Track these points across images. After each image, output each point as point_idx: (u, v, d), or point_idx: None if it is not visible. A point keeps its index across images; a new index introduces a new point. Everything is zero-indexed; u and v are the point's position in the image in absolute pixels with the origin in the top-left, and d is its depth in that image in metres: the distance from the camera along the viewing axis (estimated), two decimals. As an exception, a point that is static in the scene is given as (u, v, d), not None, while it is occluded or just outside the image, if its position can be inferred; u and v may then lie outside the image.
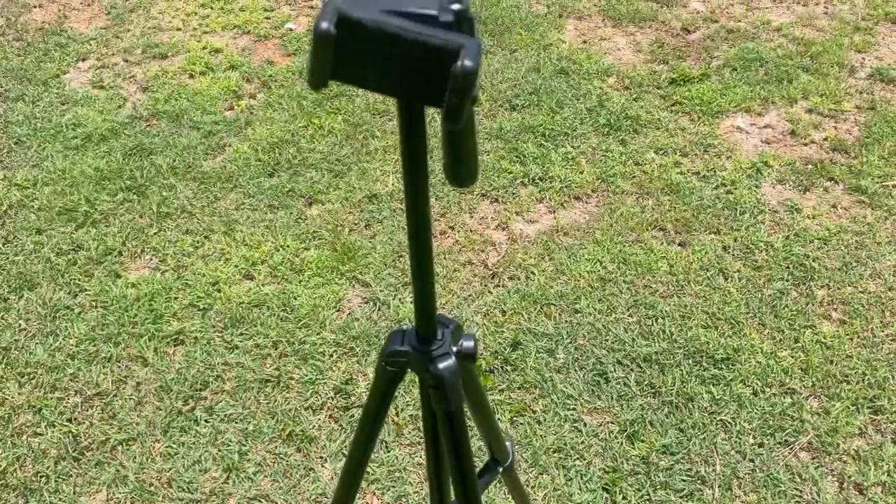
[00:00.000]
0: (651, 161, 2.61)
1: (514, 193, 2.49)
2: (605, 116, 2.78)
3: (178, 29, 3.25)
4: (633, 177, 2.55)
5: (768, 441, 1.81)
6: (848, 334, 2.05)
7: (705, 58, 3.10)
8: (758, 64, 3.05)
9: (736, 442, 1.81)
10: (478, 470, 0.98)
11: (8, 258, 2.25)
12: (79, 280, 2.19)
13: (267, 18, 3.33)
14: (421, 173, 0.59)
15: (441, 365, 0.74)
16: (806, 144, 2.70)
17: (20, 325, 2.07)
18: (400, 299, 2.14)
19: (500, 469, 1.04)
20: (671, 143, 2.69)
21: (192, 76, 3.00)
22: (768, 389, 1.92)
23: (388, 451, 1.79)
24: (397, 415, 1.86)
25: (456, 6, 0.45)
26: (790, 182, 2.54)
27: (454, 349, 0.76)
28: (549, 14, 3.36)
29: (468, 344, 0.77)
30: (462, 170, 0.59)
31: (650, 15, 3.35)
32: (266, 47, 3.17)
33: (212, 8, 3.37)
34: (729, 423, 1.85)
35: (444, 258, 2.26)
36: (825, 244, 2.31)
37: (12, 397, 1.90)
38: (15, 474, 1.75)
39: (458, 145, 0.56)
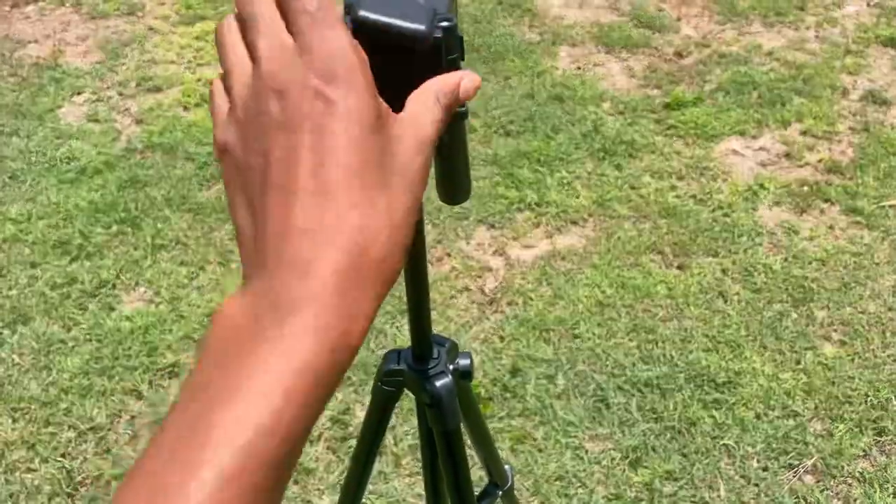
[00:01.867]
0: (647, 185, 2.61)
1: (510, 219, 2.48)
2: (601, 141, 2.79)
3: (173, 62, 3.27)
4: (630, 201, 2.55)
5: (772, 465, 1.79)
6: (849, 355, 2.03)
7: (698, 82, 3.13)
8: (751, 87, 3.07)
9: (740, 466, 1.78)
10: (476, 494, 0.95)
11: (2, 293, 2.23)
12: (73, 314, 2.17)
13: (262, 51, 3.35)
14: None
15: (437, 383, 0.73)
16: (801, 166, 2.71)
17: (14, 359, 2.05)
18: (398, 327, 2.12)
19: (500, 493, 1.02)
20: (667, 166, 2.69)
21: (186, 108, 3.01)
22: (771, 412, 1.89)
23: (388, 482, 1.76)
24: (396, 445, 1.83)
25: (445, 23, 0.45)
26: (787, 204, 2.54)
27: (450, 367, 0.75)
28: (542, 41, 3.39)
29: (464, 362, 0.76)
30: (454, 186, 0.58)
31: (642, 41, 3.38)
32: (261, 79, 3.19)
33: (206, 41, 3.40)
34: (732, 447, 1.82)
35: (441, 285, 2.25)
36: (824, 265, 2.30)
37: (6, 433, 1.87)
38: (6, 512, 1.71)
39: (449, 160, 0.56)
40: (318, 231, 0.33)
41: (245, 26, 0.36)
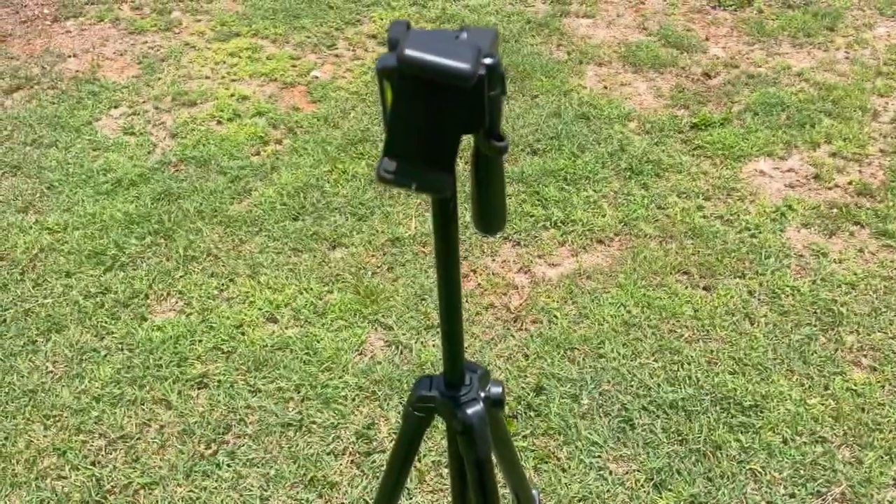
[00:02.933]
0: (674, 205, 2.61)
1: (535, 237, 2.49)
2: (627, 160, 2.80)
3: (207, 77, 3.33)
4: (656, 220, 2.55)
5: (800, 491, 1.77)
6: (879, 381, 2.01)
7: (726, 102, 3.12)
8: (779, 108, 3.05)
9: (766, 492, 1.77)
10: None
11: (37, 301, 2.29)
12: (106, 323, 2.21)
13: (293, 66, 3.40)
14: (452, 256, 0.60)
15: (469, 411, 0.74)
16: (830, 188, 2.69)
17: (47, 367, 2.09)
18: (422, 342, 2.13)
19: (527, 518, 1.03)
20: (693, 186, 2.69)
21: (219, 122, 3.07)
22: (798, 438, 1.88)
23: (411, 499, 1.77)
24: (419, 461, 1.84)
25: (489, 60, 0.46)
26: (815, 226, 2.52)
27: (482, 395, 0.76)
28: (569, 60, 3.40)
29: (496, 390, 0.77)
30: (490, 217, 0.60)
31: (670, 61, 3.38)
32: (292, 94, 3.24)
33: (240, 57, 3.46)
34: (759, 472, 1.81)
35: (467, 301, 2.26)
36: (853, 289, 2.28)
37: (38, 440, 1.91)
38: (38, 518, 1.75)
39: (487, 194, 0.57)
40: None
41: None
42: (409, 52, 0.45)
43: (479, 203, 0.57)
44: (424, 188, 0.52)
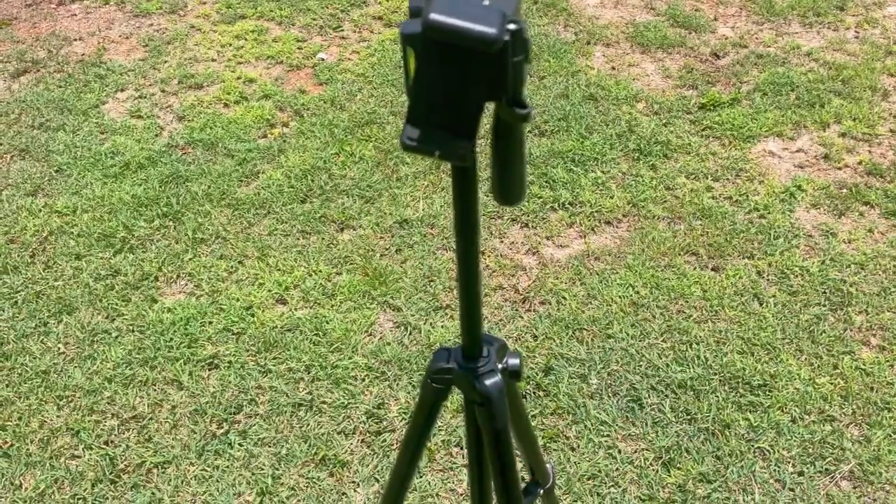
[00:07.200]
0: (682, 186, 2.60)
1: (544, 218, 2.49)
2: (635, 142, 2.79)
3: (214, 60, 3.33)
4: (665, 201, 2.54)
5: (808, 469, 1.78)
6: (888, 360, 2.01)
7: (735, 83, 3.10)
8: (788, 88, 3.03)
9: (775, 470, 1.78)
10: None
11: (48, 283, 2.30)
12: (116, 305, 2.22)
13: (299, 49, 3.39)
14: (473, 223, 0.60)
15: (488, 382, 0.74)
16: (840, 168, 2.68)
17: (59, 348, 2.11)
18: (431, 324, 2.14)
19: (541, 491, 1.03)
20: (702, 167, 2.68)
21: (226, 105, 3.06)
22: (807, 416, 1.88)
23: (420, 477, 1.78)
24: (429, 440, 1.85)
25: (513, 26, 0.46)
26: (825, 206, 2.52)
27: (500, 367, 0.76)
28: (577, 41, 3.38)
29: (513, 362, 0.77)
30: (510, 187, 0.60)
31: (678, 41, 3.36)
32: (298, 77, 3.23)
33: (246, 39, 3.45)
34: (767, 450, 1.82)
35: (476, 283, 2.26)
36: (862, 269, 2.28)
37: (51, 420, 1.93)
38: (53, 496, 1.77)
39: (507, 162, 0.57)
40: None
41: None
42: (434, 16, 0.45)
43: (498, 172, 0.57)
44: (447, 155, 0.52)
